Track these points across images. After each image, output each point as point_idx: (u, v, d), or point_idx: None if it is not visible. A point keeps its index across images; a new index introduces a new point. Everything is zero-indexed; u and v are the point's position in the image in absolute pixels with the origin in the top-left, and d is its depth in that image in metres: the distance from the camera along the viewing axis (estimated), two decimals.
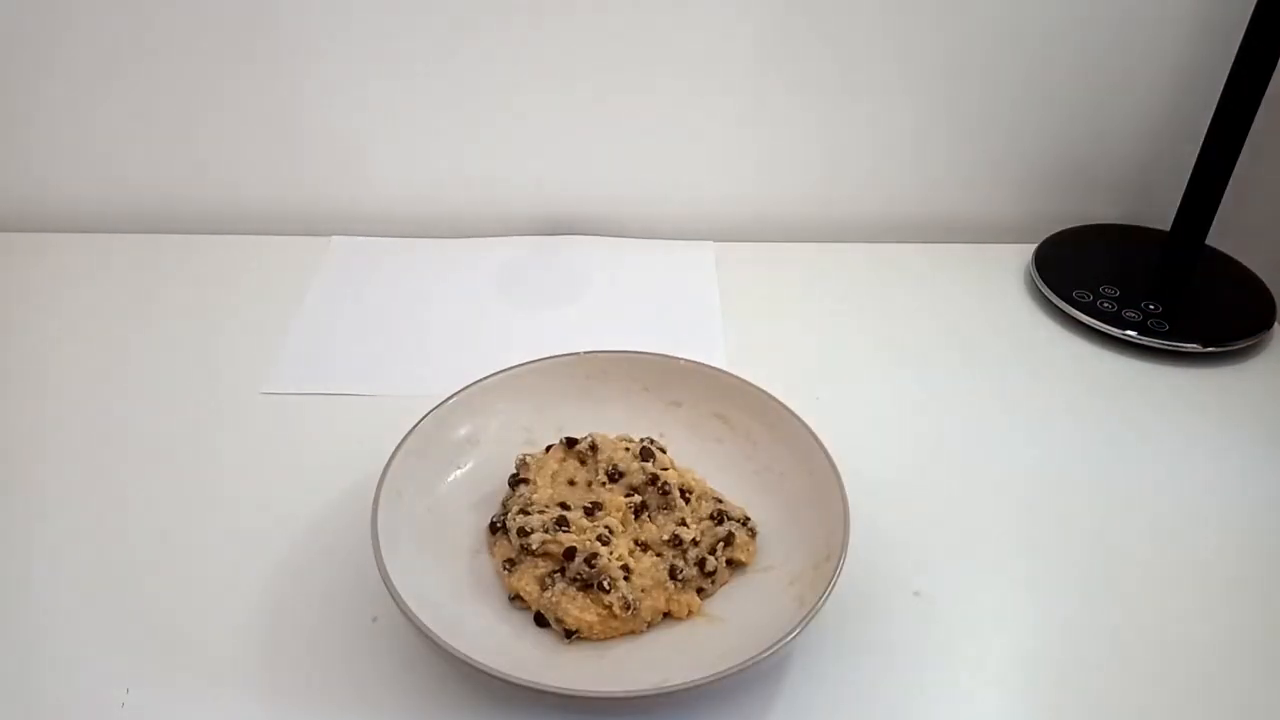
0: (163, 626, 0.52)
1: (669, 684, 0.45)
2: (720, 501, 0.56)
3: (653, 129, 0.83)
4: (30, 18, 0.76)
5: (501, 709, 0.48)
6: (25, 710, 0.48)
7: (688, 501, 0.55)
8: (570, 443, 0.58)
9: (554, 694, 0.44)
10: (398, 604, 0.46)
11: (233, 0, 0.76)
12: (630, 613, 0.50)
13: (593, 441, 0.58)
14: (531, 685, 0.44)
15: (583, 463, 0.58)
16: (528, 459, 0.58)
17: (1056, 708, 0.50)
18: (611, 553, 0.52)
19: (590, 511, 0.54)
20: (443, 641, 0.45)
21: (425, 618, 0.46)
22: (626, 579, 0.51)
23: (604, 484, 0.56)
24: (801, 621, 0.46)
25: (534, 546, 0.51)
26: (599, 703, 0.45)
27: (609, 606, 0.50)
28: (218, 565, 0.55)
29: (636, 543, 0.54)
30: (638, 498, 0.55)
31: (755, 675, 0.49)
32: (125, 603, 0.53)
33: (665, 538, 0.53)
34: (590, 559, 0.50)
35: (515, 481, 0.57)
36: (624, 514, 0.54)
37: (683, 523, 0.54)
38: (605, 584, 0.50)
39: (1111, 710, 0.50)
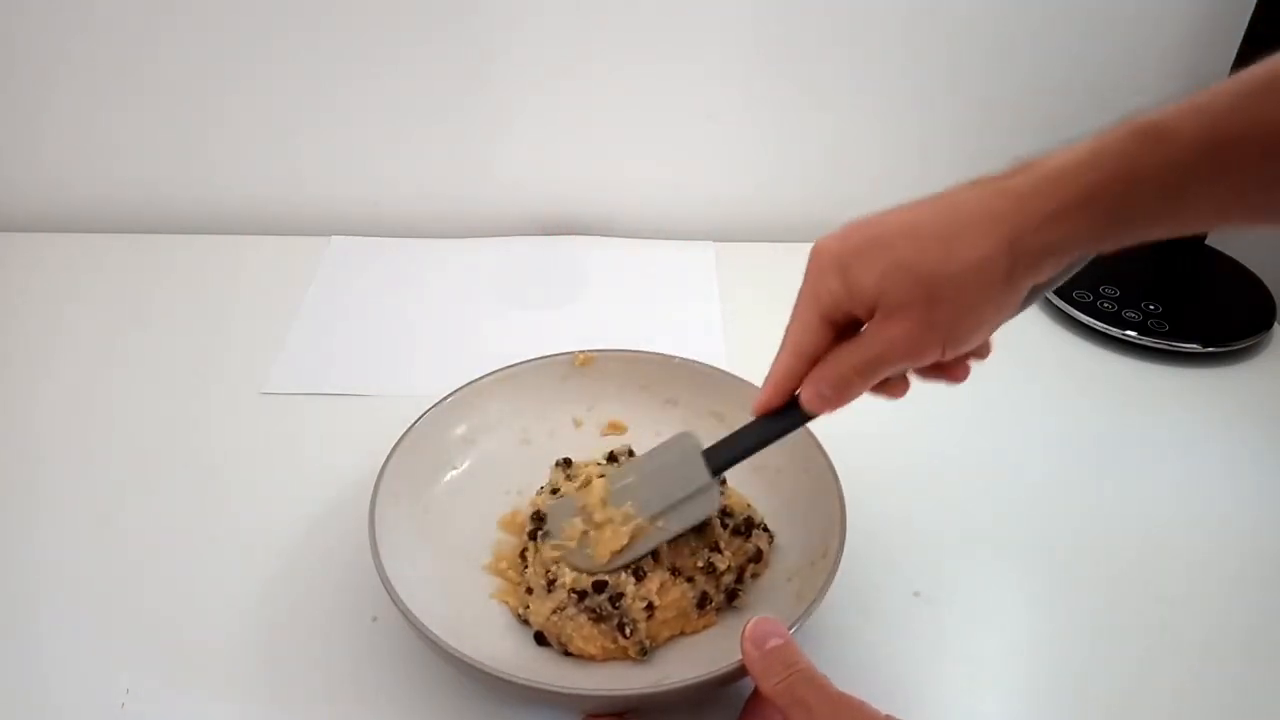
0: (163, 627, 0.52)
1: (666, 683, 0.45)
2: (749, 508, 0.54)
3: (652, 129, 0.83)
4: (33, 21, 0.76)
5: (499, 708, 0.48)
6: (25, 710, 0.48)
7: (725, 526, 0.53)
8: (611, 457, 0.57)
9: (551, 692, 0.44)
10: (397, 604, 0.46)
11: (231, 3, 0.76)
12: (644, 656, 0.49)
13: (630, 449, 0.57)
14: (529, 684, 0.44)
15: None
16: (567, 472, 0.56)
17: (1056, 707, 0.50)
18: (639, 590, 0.49)
19: None
20: (441, 641, 0.45)
21: (424, 617, 0.46)
22: (650, 617, 0.49)
23: None
24: (800, 617, 0.46)
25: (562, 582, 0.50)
26: (596, 701, 0.45)
27: (623, 648, 0.48)
28: (217, 565, 0.55)
29: (671, 570, 0.51)
30: None
31: None
32: (125, 603, 0.53)
33: (700, 564, 0.51)
34: (615, 598, 0.49)
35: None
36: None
37: (716, 547, 0.51)
38: (626, 628, 0.48)
39: (1111, 709, 0.50)
